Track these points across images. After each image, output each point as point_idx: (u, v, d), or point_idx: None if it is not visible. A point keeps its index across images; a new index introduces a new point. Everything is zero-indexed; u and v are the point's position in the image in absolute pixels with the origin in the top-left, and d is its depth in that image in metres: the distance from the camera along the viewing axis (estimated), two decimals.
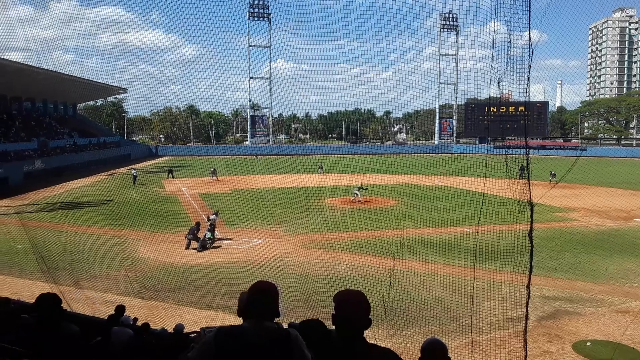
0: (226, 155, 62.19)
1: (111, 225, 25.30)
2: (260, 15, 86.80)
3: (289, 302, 12.67)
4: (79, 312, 9.72)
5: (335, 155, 56.24)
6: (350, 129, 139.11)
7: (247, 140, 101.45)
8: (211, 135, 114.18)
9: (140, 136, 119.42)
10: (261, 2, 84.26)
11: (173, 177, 47.22)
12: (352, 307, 2.98)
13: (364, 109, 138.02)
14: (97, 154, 63.46)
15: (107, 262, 18.39)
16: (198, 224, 21.63)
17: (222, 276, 16.51)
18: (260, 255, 19.31)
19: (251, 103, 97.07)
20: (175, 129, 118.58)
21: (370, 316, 3.01)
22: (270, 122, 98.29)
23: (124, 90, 74.05)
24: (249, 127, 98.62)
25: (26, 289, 14.59)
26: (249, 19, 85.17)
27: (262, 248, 20.67)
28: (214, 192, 37.41)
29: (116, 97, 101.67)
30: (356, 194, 33.14)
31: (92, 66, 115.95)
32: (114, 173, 53.31)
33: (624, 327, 12.53)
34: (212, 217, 22.46)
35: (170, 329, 8.22)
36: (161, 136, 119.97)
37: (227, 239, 22.60)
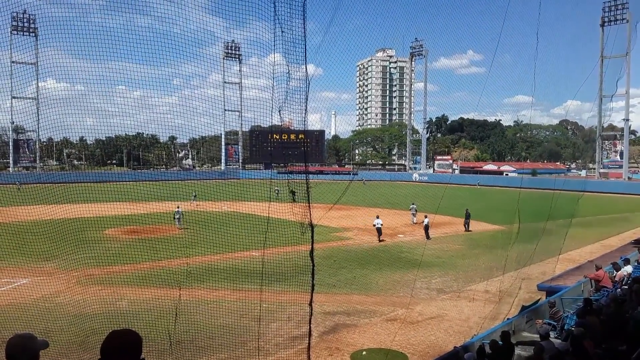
0: None
1: None
2: (26, 29, 78.15)
3: (62, 346, 11.34)
4: None
5: (116, 183, 52.61)
6: (132, 155, 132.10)
7: (9, 167, 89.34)
8: None
9: None
10: (26, 15, 75.94)
11: None
12: (116, 350, 2.71)
13: (147, 134, 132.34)
14: None
15: None
16: None
17: None
18: (26, 296, 16.94)
19: (14, 125, 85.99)
20: None
21: (142, 356, 2.77)
22: (37, 147, 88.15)
23: None
24: (11, 152, 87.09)
25: None
26: (12, 33, 76.02)
27: (28, 288, 18.17)
28: None
29: None
30: (177, 218, 32.81)
31: None
32: None
33: (393, 334, 13.96)
34: None
35: None
36: None
37: None
